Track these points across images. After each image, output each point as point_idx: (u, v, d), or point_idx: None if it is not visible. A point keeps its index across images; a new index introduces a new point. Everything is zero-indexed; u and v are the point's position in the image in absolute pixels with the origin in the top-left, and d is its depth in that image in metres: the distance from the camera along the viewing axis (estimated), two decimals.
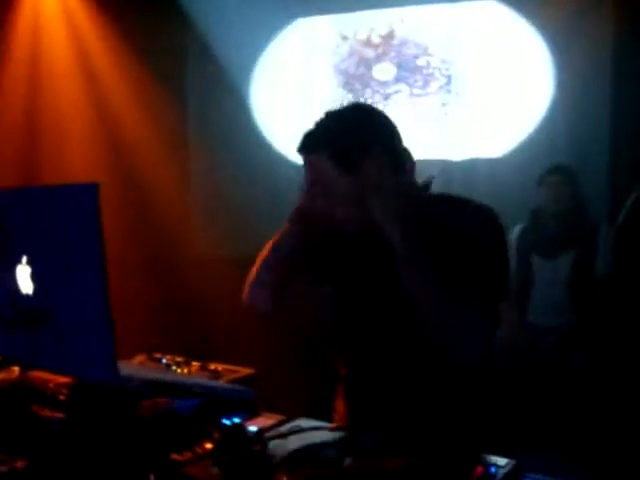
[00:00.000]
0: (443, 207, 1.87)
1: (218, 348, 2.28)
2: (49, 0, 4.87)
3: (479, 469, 1.28)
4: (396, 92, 4.67)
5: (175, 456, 1.38)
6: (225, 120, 5.12)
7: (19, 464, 1.34)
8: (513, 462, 1.33)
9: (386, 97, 4.68)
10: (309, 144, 1.83)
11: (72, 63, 4.92)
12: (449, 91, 4.60)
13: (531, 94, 4.33)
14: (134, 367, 1.70)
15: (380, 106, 2.06)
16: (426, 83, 4.63)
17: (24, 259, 1.25)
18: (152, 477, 1.31)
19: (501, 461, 1.32)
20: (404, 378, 1.82)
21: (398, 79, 4.67)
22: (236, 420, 1.54)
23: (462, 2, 4.52)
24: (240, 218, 4.92)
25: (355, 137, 1.81)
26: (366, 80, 4.77)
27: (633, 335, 3.49)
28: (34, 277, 1.24)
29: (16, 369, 1.66)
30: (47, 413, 1.43)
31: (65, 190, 1.17)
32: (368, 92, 4.75)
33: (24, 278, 1.27)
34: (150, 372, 1.55)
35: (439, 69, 4.60)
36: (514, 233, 3.96)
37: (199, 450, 1.42)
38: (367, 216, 1.77)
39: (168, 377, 1.45)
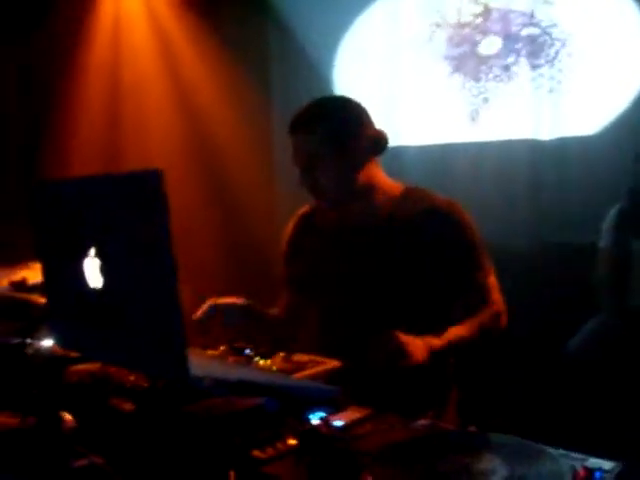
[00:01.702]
0: (412, 203, 2.10)
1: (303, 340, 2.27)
2: None
3: (581, 473, 1.18)
4: (514, 64, 4.46)
5: (257, 452, 1.33)
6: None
7: (97, 459, 1.32)
8: (620, 465, 1.21)
9: (505, 69, 4.49)
10: (306, 123, 2.13)
11: (154, 57, 4.96)
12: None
13: (626, 68, 4.10)
14: (209, 362, 1.65)
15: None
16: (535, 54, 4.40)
17: (92, 252, 1.22)
18: (232, 474, 1.26)
19: (606, 464, 1.21)
20: None
21: (509, 51, 4.46)
22: (321, 414, 1.48)
23: None
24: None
25: (346, 120, 2.11)
26: (475, 59, 4.59)
27: None
28: (103, 270, 1.21)
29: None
30: (126, 406, 1.40)
31: (128, 178, 1.12)
32: (484, 67, 4.56)
33: (93, 271, 1.23)
34: (226, 369, 1.50)
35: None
36: (610, 215, 3.78)
37: (281, 447, 1.36)
38: (344, 194, 2.11)
39: (244, 375, 1.39)
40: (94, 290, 1.23)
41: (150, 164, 4.02)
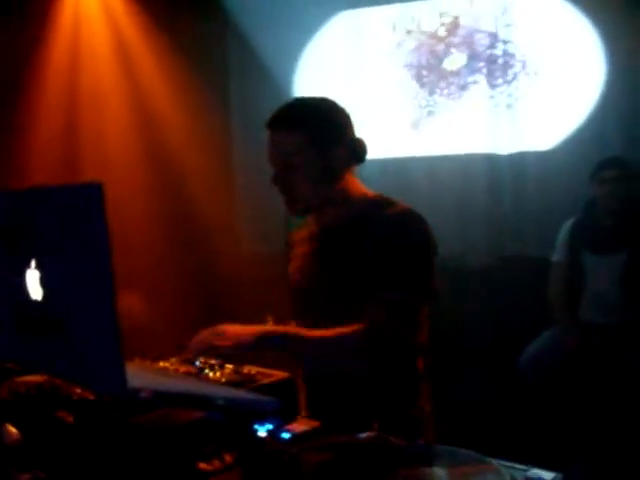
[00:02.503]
0: (373, 209, 2.01)
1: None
2: None
3: None
4: (473, 82, 4.52)
5: (203, 465, 1.32)
6: (268, 114, 5.07)
7: (40, 475, 1.30)
8: (560, 476, 1.23)
9: (462, 87, 4.54)
10: (284, 121, 2.01)
11: (113, 61, 4.91)
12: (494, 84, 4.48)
13: (582, 84, 4.18)
14: (151, 374, 1.64)
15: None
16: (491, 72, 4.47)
17: (33, 263, 1.21)
18: None
19: (546, 475, 1.23)
20: None
21: (472, 69, 4.53)
22: (269, 426, 1.48)
23: None
24: (283, 214, 4.87)
25: (325, 121, 2.00)
26: (437, 72, 4.64)
27: None
28: (43, 282, 1.20)
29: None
30: (71, 419, 1.38)
31: (69, 190, 1.11)
32: (442, 83, 4.62)
33: (33, 283, 1.22)
34: (168, 381, 1.49)
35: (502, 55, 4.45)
36: (565, 227, 3.83)
37: (228, 459, 1.35)
38: (318, 199, 2.02)
39: (184, 387, 1.39)
40: (35, 302, 1.22)
41: (107, 171, 4.00)
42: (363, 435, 1.40)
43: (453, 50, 4.57)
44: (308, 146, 1.97)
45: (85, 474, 1.32)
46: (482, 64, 4.49)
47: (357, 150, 2.04)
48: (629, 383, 3.41)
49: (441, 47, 4.62)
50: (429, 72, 4.64)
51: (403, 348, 1.96)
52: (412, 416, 1.98)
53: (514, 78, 4.38)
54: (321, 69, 4.98)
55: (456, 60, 4.57)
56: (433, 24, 4.64)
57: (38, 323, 1.20)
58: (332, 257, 2.04)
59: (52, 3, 4.74)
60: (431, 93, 4.60)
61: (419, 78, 4.67)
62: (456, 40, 4.56)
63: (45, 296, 1.19)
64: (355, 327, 1.81)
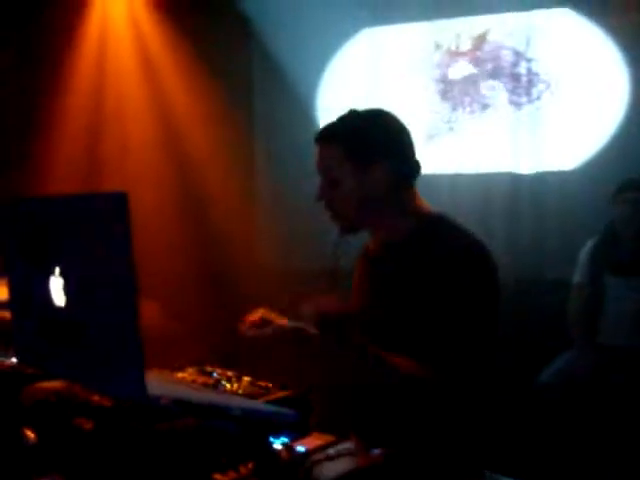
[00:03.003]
0: (433, 234, 1.86)
1: (274, 361, 2.22)
2: (117, 8, 4.94)
3: None
4: (496, 99, 4.53)
5: (218, 476, 1.33)
6: (291, 131, 5.10)
7: (57, 478, 1.31)
8: None
9: (485, 105, 4.55)
10: (327, 135, 1.94)
11: (138, 71, 4.99)
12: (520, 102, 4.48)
13: (605, 105, 4.18)
14: (172, 383, 1.65)
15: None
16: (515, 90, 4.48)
17: (57, 270, 1.23)
18: None
19: None
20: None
21: (495, 87, 4.54)
22: (284, 440, 1.48)
23: (536, 10, 4.38)
24: (303, 230, 4.89)
25: (370, 136, 1.88)
26: (460, 88, 4.65)
27: None
28: (66, 289, 1.21)
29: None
30: (89, 425, 1.39)
31: (94, 199, 1.13)
32: (466, 99, 4.62)
33: (57, 290, 1.24)
34: (187, 390, 1.50)
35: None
36: (585, 249, 3.81)
37: (243, 470, 1.36)
38: (363, 217, 1.90)
39: (204, 397, 1.39)
40: (58, 308, 1.24)
41: (130, 183, 4.05)
42: (376, 451, 1.40)
43: (478, 66, 4.58)
44: (345, 161, 1.88)
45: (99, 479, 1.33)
46: (506, 81, 4.50)
47: (407, 169, 1.91)
48: None
49: (466, 63, 4.63)
50: (452, 87, 4.65)
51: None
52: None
53: (538, 97, 4.38)
54: (344, 84, 5.01)
55: (479, 76, 4.58)
56: (458, 40, 4.65)
57: (60, 329, 1.22)
58: (385, 281, 1.92)
59: (79, 14, 4.82)
60: (454, 109, 4.61)
61: (443, 93, 4.68)
62: (482, 56, 4.57)
63: (68, 302, 1.20)
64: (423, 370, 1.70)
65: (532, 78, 4.42)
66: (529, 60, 4.42)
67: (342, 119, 1.97)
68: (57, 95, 4.72)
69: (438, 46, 4.72)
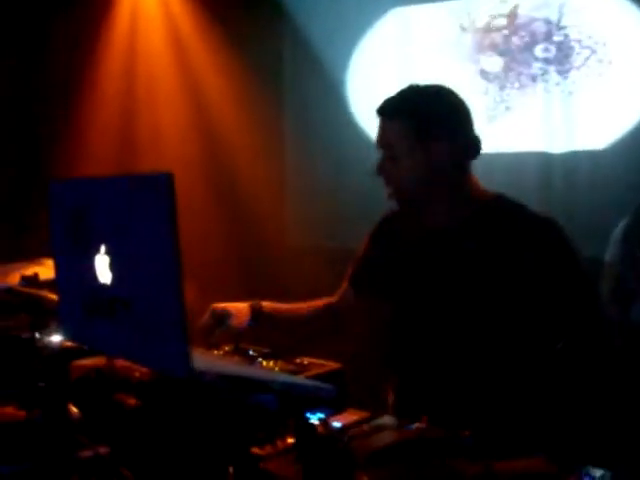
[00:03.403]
0: (502, 214, 1.89)
1: (306, 340, 2.25)
2: None
3: (573, 479, 1.22)
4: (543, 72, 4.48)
5: (256, 450, 1.37)
6: (321, 111, 5.11)
7: (102, 450, 1.36)
8: (610, 474, 1.25)
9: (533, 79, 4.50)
10: (389, 109, 1.92)
11: (168, 58, 5.03)
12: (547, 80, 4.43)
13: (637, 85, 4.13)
14: (213, 359, 1.69)
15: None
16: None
17: (102, 249, 1.27)
18: (231, 470, 1.30)
19: (596, 472, 1.25)
20: (456, 379, 1.83)
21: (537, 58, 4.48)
22: (320, 415, 1.51)
23: None
24: (335, 211, 4.91)
25: (433, 113, 1.88)
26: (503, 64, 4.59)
27: None
28: (112, 267, 1.25)
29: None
30: (131, 401, 1.44)
31: (140, 180, 1.17)
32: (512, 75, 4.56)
33: (103, 268, 1.28)
34: (228, 365, 1.54)
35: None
36: (617, 229, 3.79)
37: (281, 444, 1.40)
38: (424, 194, 1.88)
39: (246, 371, 1.43)
40: (103, 285, 1.29)
41: (163, 165, 4.10)
42: (412, 426, 1.43)
43: (513, 42, 4.52)
44: (407, 137, 1.87)
45: (142, 453, 1.37)
46: (550, 51, 4.43)
47: (467, 147, 1.90)
48: None
49: (500, 38, 4.58)
50: (491, 66, 4.60)
51: None
52: None
53: (585, 64, 4.30)
54: (374, 65, 5.00)
55: (516, 51, 4.52)
56: (489, 17, 4.61)
57: (106, 305, 1.26)
58: (466, 257, 1.86)
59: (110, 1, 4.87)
60: (502, 88, 4.55)
61: (484, 74, 4.64)
62: (516, 31, 4.52)
63: (114, 279, 1.25)
64: None
65: (573, 45, 4.35)
66: (563, 28, 4.36)
67: (403, 94, 1.95)
68: (90, 79, 4.78)
69: (467, 26, 4.68)
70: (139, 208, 1.16)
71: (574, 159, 4.28)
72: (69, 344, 1.65)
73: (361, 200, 4.49)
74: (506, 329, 1.79)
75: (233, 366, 1.53)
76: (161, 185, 1.08)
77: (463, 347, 1.83)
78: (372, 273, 2.10)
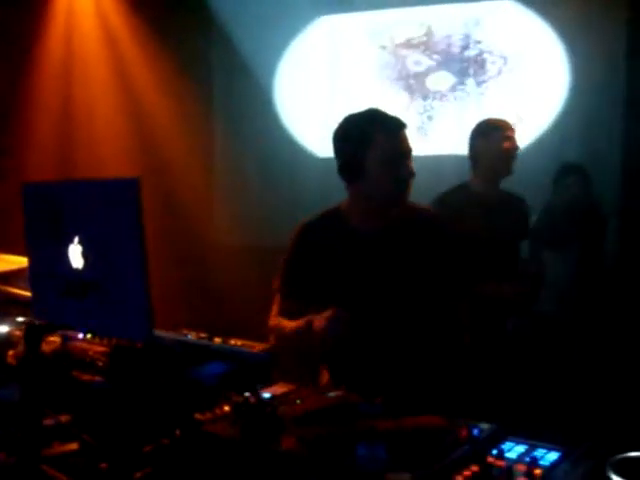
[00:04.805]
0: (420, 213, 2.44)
1: (235, 329, 2.45)
2: None
3: (463, 431, 1.46)
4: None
5: (198, 416, 1.57)
6: (249, 112, 5.29)
7: (63, 418, 1.55)
8: (495, 426, 1.49)
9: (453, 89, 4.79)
10: (403, 121, 2.32)
11: (103, 58, 5.13)
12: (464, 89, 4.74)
13: (545, 91, 4.45)
14: (167, 334, 1.90)
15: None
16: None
17: (76, 239, 1.48)
18: (177, 433, 1.50)
19: (484, 425, 1.49)
20: (388, 357, 2.27)
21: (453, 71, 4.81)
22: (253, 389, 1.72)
23: (479, 2, 4.64)
24: (261, 209, 5.09)
25: None
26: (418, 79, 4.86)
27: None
28: (84, 254, 1.48)
29: (58, 339, 1.87)
30: (86, 377, 1.63)
31: (111, 183, 1.39)
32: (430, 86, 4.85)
33: (75, 255, 1.50)
34: (180, 337, 1.77)
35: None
36: None
37: (219, 412, 1.61)
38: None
39: (196, 341, 1.68)
40: (76, 269, 1.50)
41: (97, 158, 4.16)
42: (332, 394, 1.66)
43: (434, 55, 4.82)
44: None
45: (100, 420, 1.57)
46: (463, 64, 4.75)
47: None
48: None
49: (419, 54, 4.87)
50: (410, 80, 4.89)
51: None
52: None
53: (498, 73, 4.63)
54: (302, 70, 5.21)
55: (435, 65, 4.82)
56: (409, 33, 4.89)
57: (78, 287, 1.47)
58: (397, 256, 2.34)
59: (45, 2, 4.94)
60: (424, 98, 4.86)
61: (406, 85, 4.91)
62: (435, 44, 4.81)
63: (85, 264, 1.47)
64: None
65: (486, 57, 4.66)
66: (479, 42, 4.67)
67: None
68: (26, 85, 4.82)
69: (393, 35, 4.94)
70: (110, 207, 1.39)
71: None
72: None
73: (287, 200, 4.69)
74: (416, 301, 2.32)
75: (190, 338, 1.75)
76: (132, 188, 1.31)
77: (387, 330, 2.28)
78: (306, 276, 2.39)
